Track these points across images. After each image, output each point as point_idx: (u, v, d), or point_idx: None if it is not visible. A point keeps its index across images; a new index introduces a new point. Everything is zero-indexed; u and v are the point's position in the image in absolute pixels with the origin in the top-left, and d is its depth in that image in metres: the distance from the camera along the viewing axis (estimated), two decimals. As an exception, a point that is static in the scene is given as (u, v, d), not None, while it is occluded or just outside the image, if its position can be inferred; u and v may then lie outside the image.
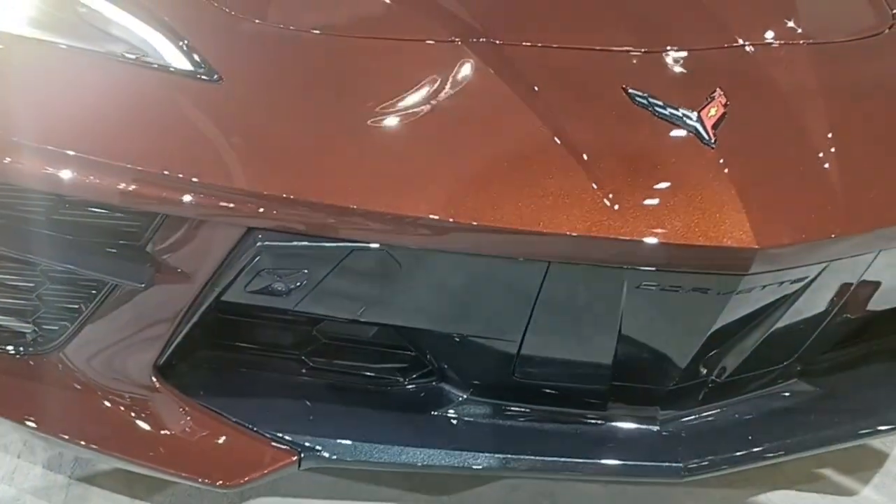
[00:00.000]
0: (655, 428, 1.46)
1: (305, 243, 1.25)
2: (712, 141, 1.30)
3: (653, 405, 1.46)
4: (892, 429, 1.51)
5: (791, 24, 1.64)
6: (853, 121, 1.44)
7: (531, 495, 1.69)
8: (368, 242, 1.24)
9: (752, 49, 1.50)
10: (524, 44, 1.43)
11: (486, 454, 1.37)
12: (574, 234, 1.20)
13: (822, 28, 1.65)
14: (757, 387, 1.54)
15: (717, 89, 1.37)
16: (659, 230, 1.21)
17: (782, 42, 1.56)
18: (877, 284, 1.47)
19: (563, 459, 1.38)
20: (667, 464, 1.39)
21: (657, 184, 1.26)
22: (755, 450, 1.44)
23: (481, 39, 1.42)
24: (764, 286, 1.31)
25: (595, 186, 1.23)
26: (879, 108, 1.50)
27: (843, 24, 1.70)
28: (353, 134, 1.29)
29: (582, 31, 1.50)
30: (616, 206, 1.21)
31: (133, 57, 1.35)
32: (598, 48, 1.46)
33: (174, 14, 1.41)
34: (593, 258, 1.25)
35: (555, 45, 1.44)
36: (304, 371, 1.47)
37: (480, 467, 1.37)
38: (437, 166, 1.28)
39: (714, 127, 1.32)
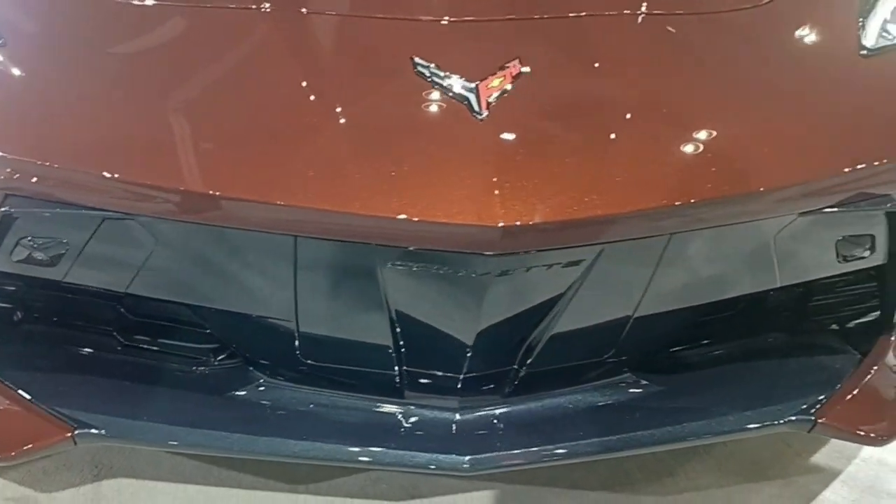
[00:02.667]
0: (450, 418, 1.39)
1: (57, 211, 1.22)
2: (482, 113, 1.23)
3: (451, 395, 1.39)
4: (719, 435, 1.41)
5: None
6: (658, 100, 1.34)
7: (392, 488, 1.69)
8: (117, 211, 1.21)
9: (579, 18, 1.43)
10: (328, 12, 1.42)
11: (271, 438, 1.34)
12: (311, 207, 1.14)
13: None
14: (579, 380, 1.46)
15: (515, 60, 1.31)
16: (401, 206, 1.13)
17: (617, 12, 1.46)
18: (683, 273, 1.36)
19: (344, 447, 1.34)
20: (449, 456, 1.33)
21: (409, 157, 1.20)
22: (554, 447, 1.36)
23: (295, 9, 1.39)
24: (528, 268, 1.24)
25: (346, 158, 1.18)
26: (695, 89, 1.39)
27: None
28: (107, 98, 1.28)
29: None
30: (363, 180, 1.16)
31: None
32: (403, 17, 1.42)
33: None
34: (336, 234, 1.19)
35: (361, 14, 1.42)
36: (118, 348, 1.45)
37: (263, 451, 1.34)
38: (185, 133, 1.24)
39: (492, 99, 1.25)
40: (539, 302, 1.32)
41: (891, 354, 1.47)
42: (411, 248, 1.19)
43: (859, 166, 1.26)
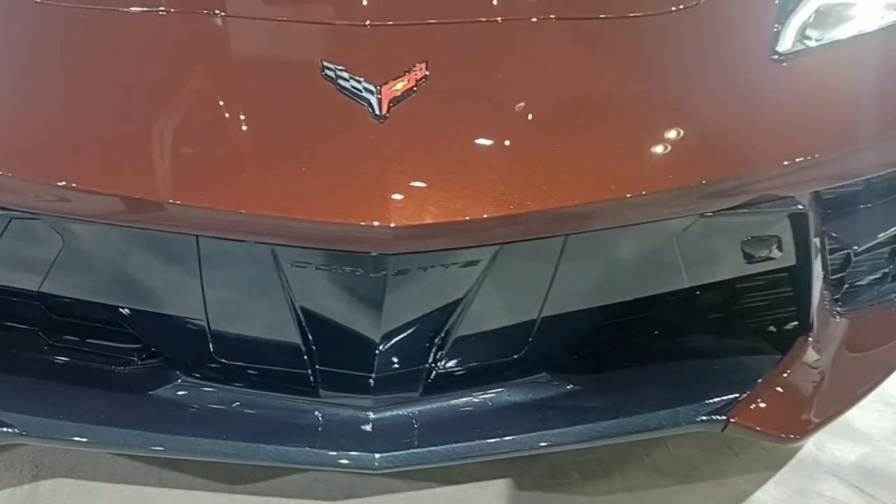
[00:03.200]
0: (364, 417, 1.42)
1: None
2: (383, 116, 1.26)
3: (365, 393, 1.42)
4: (631, 434, 1.42)
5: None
6: (560, 104, 1.36)
7: (330, 488, 1.71)
8: (23, 211, 1.24)
9: (494, 24, 1.45)
10: (241, 16, 1.45)
11: (184, 436, 1.35)
12: (206, 206, 1.17)
13: (596, 4, 1.56)
14: (494, 379, 1.48)
15: (422, 63, 1.34)
16: (294, 206, 1.17)
17: (533, 18, 1.48)
18: (586, 273, 1.39)
19: (256, 445, 1.35)
20: (360, 454, 1.35)
21: (306, 158, 1.23)
22: (466, 445, 1.38)
23: (202, 11, 1.42)
24: (426, 269, 1.28)
25: (243, 159, 1.21)
26: (597, 94, 1.41)
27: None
28: (3, 98, 1.30)
29: (307, 3, 1.50)
30: (258, 181, 1.19)
31: None
32: (321, 21, 1.45)
33: None
34: (233, 233, 1.22)
35: (276, 18, 1.45)
36: (44, 349, 1.48)
37: (175, 449, 1.35)
38: (83, 133, 1.27)
39: (394, 102, 1.28)
40: (441, 301, 1.35)
41: (809, 355, 1.49)
42: (309, 248, 1.22)
43: (757, 169, 1.29)
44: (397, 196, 1.16)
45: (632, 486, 1.73)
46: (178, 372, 1.47)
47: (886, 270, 1.82)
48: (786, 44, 1.47)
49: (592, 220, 1.24)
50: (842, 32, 1.54)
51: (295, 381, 1.42)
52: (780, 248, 1.41)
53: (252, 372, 1.45)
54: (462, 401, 1.45)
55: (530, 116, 1.31)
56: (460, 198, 1.18)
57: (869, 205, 1.52)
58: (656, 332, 1.56)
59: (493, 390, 1.47)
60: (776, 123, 1.35)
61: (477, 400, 1.45)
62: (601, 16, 1.52)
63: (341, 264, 1.25)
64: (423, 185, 1.19)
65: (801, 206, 1.35)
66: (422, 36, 1.42)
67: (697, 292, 1.52)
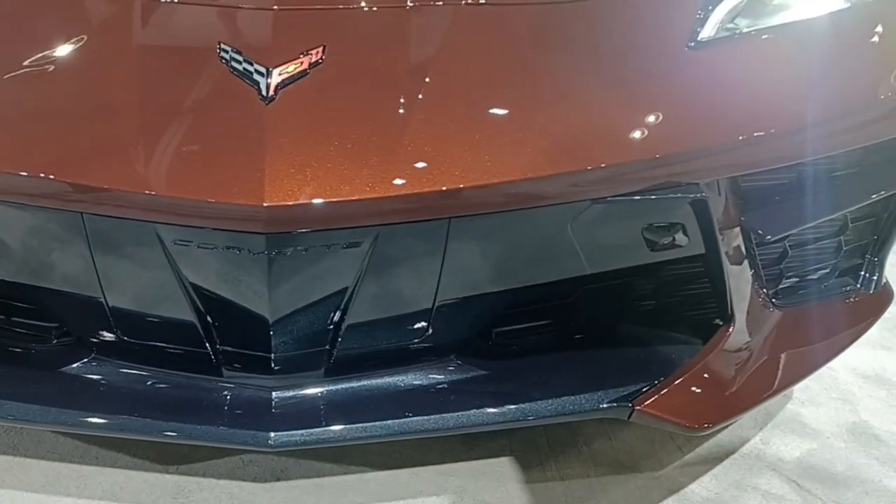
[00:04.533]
0: (265, 396, 1.43)
1: None
2: (269, 98, 1.27)
3: (266, 373, 1.43)
4: (537, 419, 1.43)
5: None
6: (454, 87, 1.35)
7: (262, 470, 1.73)
8: None
9: (403, 9, 1.46)
10: None
11: (88, 412, 1.38)
12: (84, 183, 1.19)
13: None
14: (399, 362, 1.49)
15: (320, 47, 1.35)
16: (172, 184, 1.19)
17: (442, 3, 1.48)
18: (479, 258, 1.39)
19: (154, 422, 1.38)
20: (255, 432, 1.37)
21: (189, 137, 1.25)
22: (366, 426, 1.40)
23: None
24: (306, 249, 1.28)
25: (126, 137, 1.23)
26: (496, 77, 1.39)
27: None
28: None
29: None
30: (139, 159, 1.21)
31: None
32: (227, 5, 1.46)
33: None
34: (115, 210, 1.23)
35: (182, 1, 1.47)
36: None
37: (74, 424, 1.39)
38: None
39: (283, 84, 1.29)
40: (328, 284, 1.36)
41: (728, 346, 1.48)
42: (190, 227, 1.23)
43: (635, 158, 1.28)
44: (273, 176, 1.18)
45: (565, 474, 1.74)
46: (88, 350, 1.49)
47: (831, 266, 1.80)
48: (708, 31, 1.45)
49: (469, 204, 1.24)
50: (778, 19, 1.51)
51: (198, 360, 1.44)
52: (686, 236, 1.39)
53: (157, 350, 1.47)
54: (366, 382, 1.47)
55: (418, 101, 1.31)
56: (336, 179, 1.19)
57: (792, 196, 1.49)
58: (574, 320, 1.55)
59: (399, 373, 1.48)
60: (670, 111, 1.34)
61: (382, 382, 1.47)
62: (513, 1, 1.51)
63: (221, 243, 1.26)
64: (300, 165, 1.20)
65: (700, 194, 1.33)
66: (326, 20, 1.43)
67: (617, 280, 1.50)
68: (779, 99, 1.39)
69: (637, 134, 1.30)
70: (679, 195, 1.31)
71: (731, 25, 1.48)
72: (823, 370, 2.25)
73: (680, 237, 1.39)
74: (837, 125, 1.40)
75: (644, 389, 1.40)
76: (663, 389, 1.40)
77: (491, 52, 1.43)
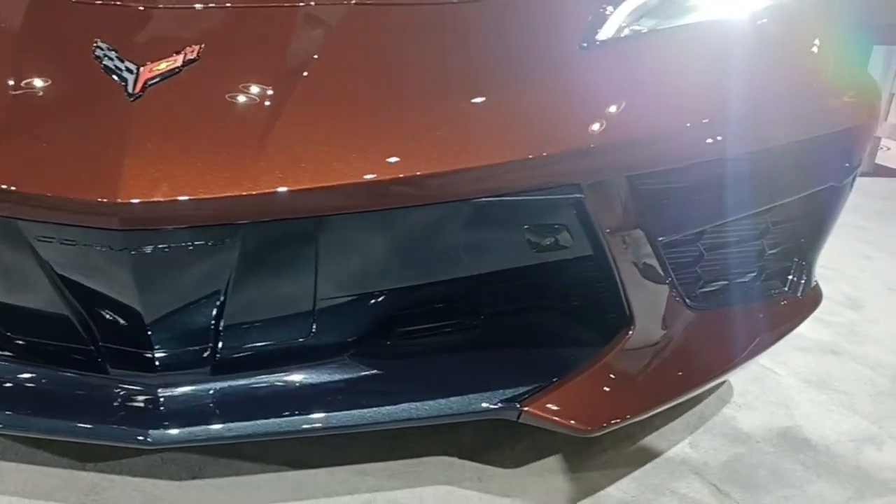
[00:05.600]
0: (149, 393, 1.43)
1: None
2: (136, 95, 1.27)
3: (149, 371, 1.43)
4: (422, 419, 1.42)
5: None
6: (330, 87, 1.34)
7: (180, 468, 1.73)
8: None
9: (294, 8, 1.45)
10: None
11: None
12: None
13: None
14: (290, 361, 1.48)
15: (197, 46, 1.34)
16: (27, 179, 1.19)
17: (332, 2, 1.48)
18: (354, 257, 1.39)
19: (37, 419, 1.38)
20: (133, 429, 1.37)
21: (52, 133, 1.25)
22: (248, 423, 1.39)
23: None
24: (169, 247, 1.26)
25: None
26: (376, 77, 1.38)
27: None
28: None
29: None
30: (2, 153, 1.21)
31: None
32: (112, 2, 1.46)
33: None
34: None
35: None
36: None
37: None
38: None
39: (151, 81, 1.29)
40: (199, 282, 1.35)
41: (626, 348, 1.47)
42: (52, 223, 1.23)
43: (522, 157, 1.27)
44: (131, 172, 1.18)
45: (484, 475, 1.73)
46: None
47: (758, 269, 1.79)
48: (607, 31, 1.44)
49: (332, 204, 1.24)
50: (688, 19, 1.51)
51: (84, 358, 1.44)
52: (572, 238, 1.39)
53: (44, 348, 1.47)
54: (254, 381, 1.46)
55: (288, 100, 1.29)
56: (195, 177, 1.19)
57: (692, 197, 1.48)
58: (471, 321, 1.54)
59: (288, 372, 1.48)
60: (544, 113, 1.33)
61: (270, 381, 1.47)
62: (403, 1, 1.51)
63: (83, 240, 1.26)
64: (160, 162, 1.20)
65: (578, 195, 1.32)
66: (208, 18, 1.43)
67: (514, 281, 1.50)
68: (663, 101, 1.38)
69: (507, 136, 1.29)
70: (556, 196, 1.30)
71: (636, 27, 1.47)
72: (766, 374, 2.26)
73: (564, 238, 1.38)
74: (727, 129, 1.39)
75: (534, 391, 1.39)
76: (553, 391, 1.39)
77: (373, 52, 1.42)
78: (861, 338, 2.52)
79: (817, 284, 1.91)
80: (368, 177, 1.20)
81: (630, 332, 1.46)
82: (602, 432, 1.46)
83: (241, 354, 1.45)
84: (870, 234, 3.68)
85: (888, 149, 5.43)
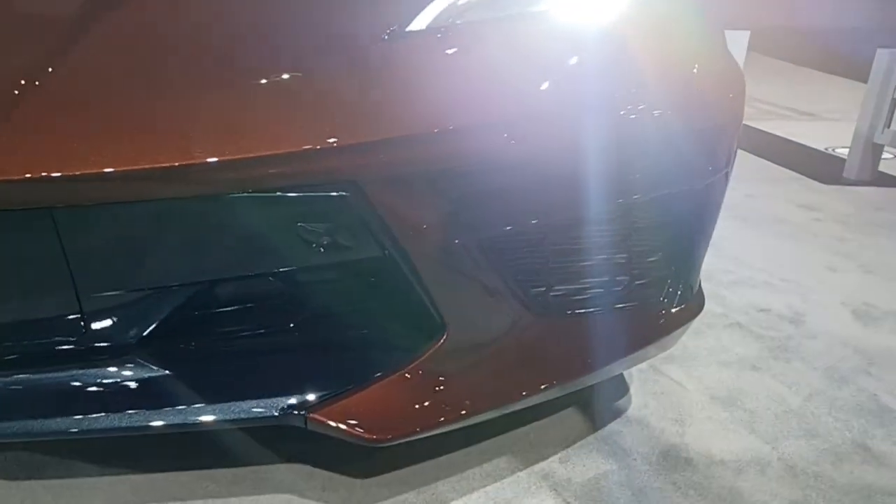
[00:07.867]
0: None
1: None
2: None
3: None
4: (207, 424, 1.36)
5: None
6: (87, 75, 1.27)
7: (21, 467, 1.71)
8: None
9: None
10: None
11: None
12: None
13: None
14: (64, 360, 1.42)
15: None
16: None
17: None
18: (103, 250, 1.32)
19: None
20: None
21: None
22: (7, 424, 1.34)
23: None
24: None
25: None
26: (145, 67, 1.30)
27: None
28: None
29: None
30: None
31: None
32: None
33: None
34: None
35: None
36: None
37: None
38: None
39: None
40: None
41: (435, 357, 1.40)
42: None
43: (276, 151, 1.20)
44: None
45: (329, 485, 1.69)
46: None
47: (629, 276, 1.71)
48: (421, 22, 1.37)
49: (74, 194, 1.18)
50: (511, 11, 1.43)
51: None
52: (355, 238, 1.32)
53: None
54: (25, 379, 1.41)
55: (35, 85, 1.22)
56: None
57: (491, 198, 1.38)
58: (270, 324, 1.48)
59: (61, 371, 1.42)
60: (308, 106, 1.26)
61: (41, 380, 1.41)
62: None
63: None
64: None
65: (343, 193, 1.25)
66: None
67: (323, 284, 1.44)
68: (456, 97, 1.30)
69: (266, 129, 1.22)
70: (322, 194, 1.24)
71: (459, 21, 1.39)
72: (673, 388, 2.16)
73: (345, 239, 1.31)
74: (524, 130, 1.30)
75: (324, 398, 1.33)
76: (343, 399, 1.33)
77: (141, 37, 1.34)
78: (790, 354, 2.40)
79: (700, 293, 1.82)
80: (95, 168, 1.15)
81: (443, 339, 1.39)
82: (394, 443, 1.39)
83: (9, 352, 1.40)
84: (846, 246, 3.52)
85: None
